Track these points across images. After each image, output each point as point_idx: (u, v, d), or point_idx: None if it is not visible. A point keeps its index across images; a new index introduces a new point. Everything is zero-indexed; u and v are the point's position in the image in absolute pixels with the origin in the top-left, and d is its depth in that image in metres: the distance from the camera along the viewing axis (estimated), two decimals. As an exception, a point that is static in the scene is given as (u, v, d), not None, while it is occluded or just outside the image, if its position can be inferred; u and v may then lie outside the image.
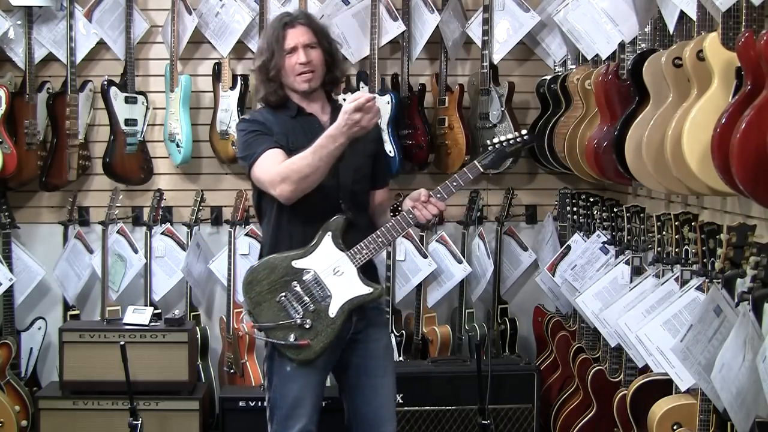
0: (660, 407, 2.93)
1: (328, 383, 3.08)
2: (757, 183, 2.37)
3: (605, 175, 3.57)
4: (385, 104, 4.28)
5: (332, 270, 2.82)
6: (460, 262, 4.43)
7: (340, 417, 3.05)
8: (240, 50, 4.52)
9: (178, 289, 4.56)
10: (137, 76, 4.52)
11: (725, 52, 2.60)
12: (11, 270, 4.30)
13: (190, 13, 4.42)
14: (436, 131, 4.45)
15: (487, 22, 4.23)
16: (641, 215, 3.47)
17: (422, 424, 3.79)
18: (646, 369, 3.16)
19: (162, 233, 4.54)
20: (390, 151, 4.29)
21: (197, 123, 4.57)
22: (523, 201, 4.71)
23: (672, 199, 3.66)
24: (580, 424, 3.72)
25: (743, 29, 2.53)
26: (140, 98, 4.50)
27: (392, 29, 4.33)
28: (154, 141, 4.61)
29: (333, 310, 2.82)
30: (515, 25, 4.26)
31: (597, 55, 3.79)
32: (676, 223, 3.05)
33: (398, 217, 2.84)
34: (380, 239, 2.83)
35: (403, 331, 4.40)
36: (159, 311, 4.27)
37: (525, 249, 4.62)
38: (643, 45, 3.45)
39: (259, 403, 3.58)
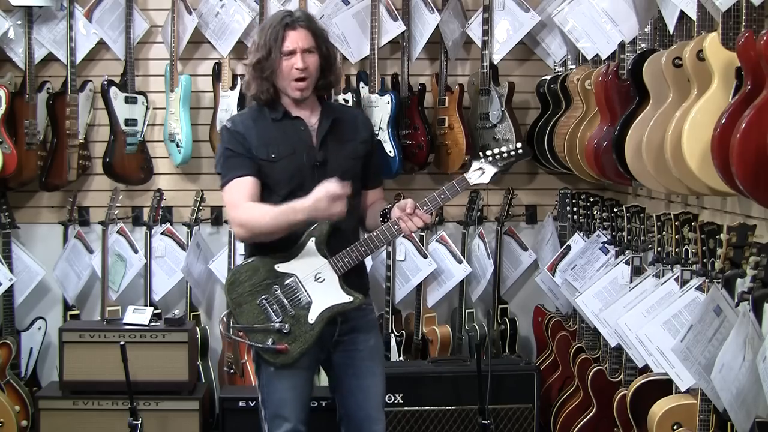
0: (660, 407, 2.93)
1: (324, 382, 3.07)
2: (757, 183, 2.37)
3: (605, 175, 3.57)
4: (385, 104, 4.29)
5: (314, 276, 2.82)
6: (460, 262, 4.43)
7: (334, 415, 3.05)
8: (240, 50, 4.51)
9: (178, 289, 4.56)
10: (137, 76, 4.52)
11: (725, 52, 2.60)
12: (11, 270, 4.30)
13: (190, 13, 4.42)
14: (436, 131, 4.45)
15: (487, 22, 4.23)
16: (641, 215, 3.47)
17: (422, 424, 3.79)
18: (646, 369, 3.16)
19: (162, 233, 4.54)
20: (390, 151, 4.29)
21: (197, 123, 4.58)
22: (523, 201, 4.71)
23: (672, 199, 3.66)
24: (580, 424, 3.71)
25: (743, 29, 2.53)
26: (140, 98, 4.50)
27: (392, 29, 4.33)
28: (154, 141, 4.61)
29: (312, 317, 2.81)
30: (515, 25, 4.26)
31: (597, 55, 3.79)
32: (676, 223, 3.05)
33: (383, 227, 2.80)
34: (363, 248, 2.81)
35: (403, 331, 4.40)
36: (159, 311, 4.27)
37: (525, 249, 4.62)
38: (643, 45, 3.45)
39: (259, 403, 3.58)
